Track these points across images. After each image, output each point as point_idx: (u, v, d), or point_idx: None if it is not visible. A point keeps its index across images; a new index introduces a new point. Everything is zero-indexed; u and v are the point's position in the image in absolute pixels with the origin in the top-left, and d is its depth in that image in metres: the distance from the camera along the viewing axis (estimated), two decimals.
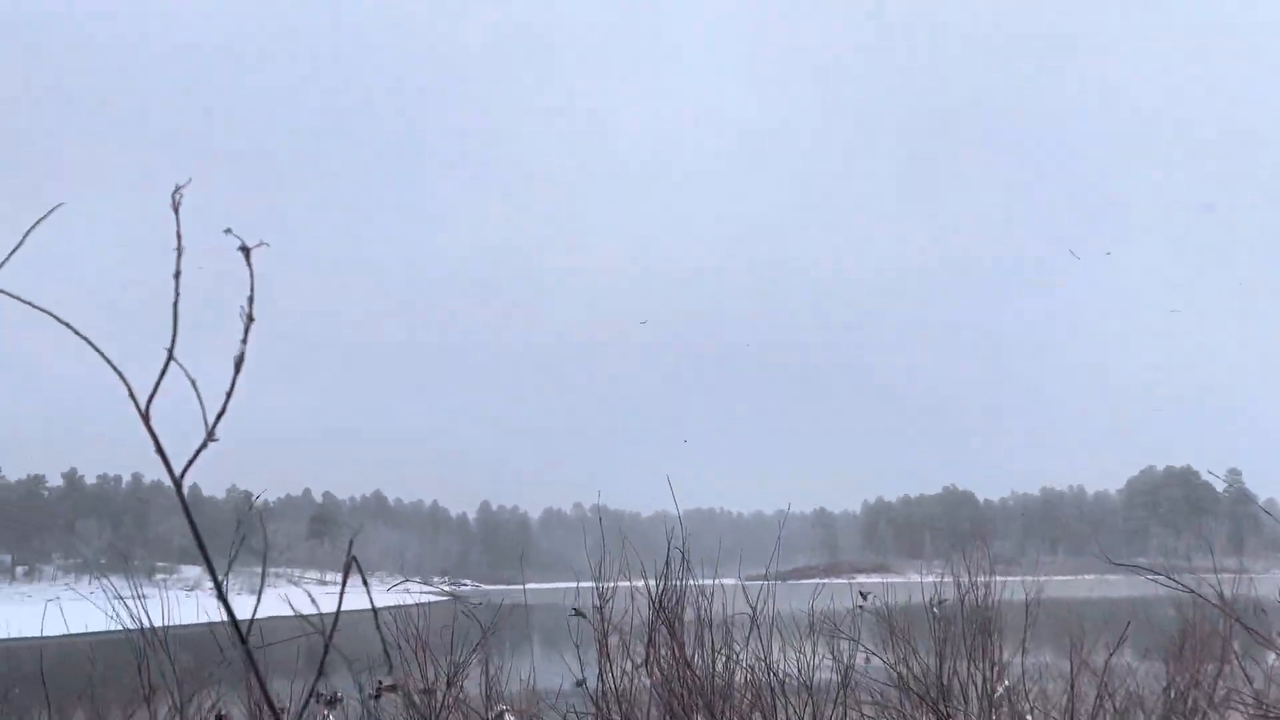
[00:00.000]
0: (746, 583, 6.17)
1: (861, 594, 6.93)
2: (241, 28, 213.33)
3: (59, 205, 1.54)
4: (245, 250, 1.45)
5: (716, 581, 5.82)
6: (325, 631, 1.67)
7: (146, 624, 4.45)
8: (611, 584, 7.04)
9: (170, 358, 1.44)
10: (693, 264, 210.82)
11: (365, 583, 1.56)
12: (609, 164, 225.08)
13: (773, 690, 5.24)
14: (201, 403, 1.45)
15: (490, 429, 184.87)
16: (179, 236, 1.46)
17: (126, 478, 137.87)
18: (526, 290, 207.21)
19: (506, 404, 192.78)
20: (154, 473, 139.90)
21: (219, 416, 1.48)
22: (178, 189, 1.43)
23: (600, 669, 6.84)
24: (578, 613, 6.72)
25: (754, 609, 5.80)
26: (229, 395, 1.47)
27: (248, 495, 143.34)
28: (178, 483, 1.47)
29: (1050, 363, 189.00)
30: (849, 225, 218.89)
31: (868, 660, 6.94)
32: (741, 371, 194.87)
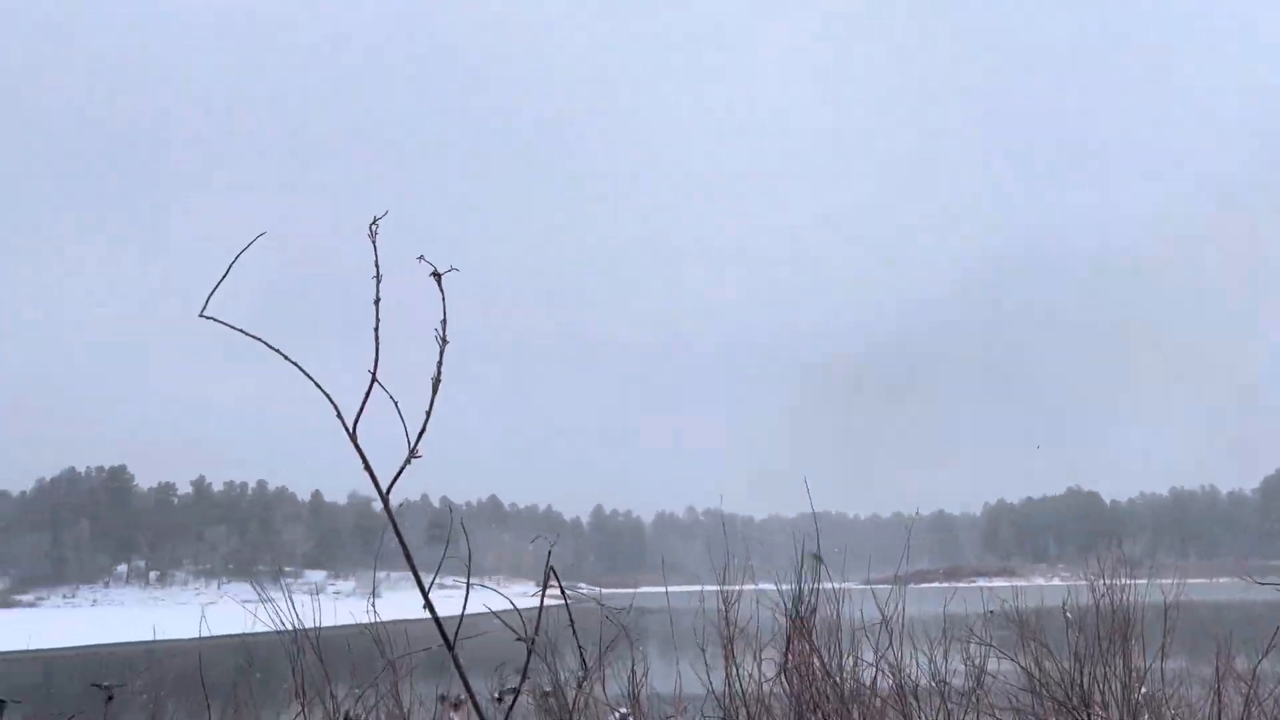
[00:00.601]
0: (869, 587, 6.13)
1: (997, 600, 6.83)
2: (366, 29, 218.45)
3: (261, 234, 1.64)
4: (436, 276, 1.53)
5: (843, 586, 5.80)
6: (526, 632, 1.74)
7: (298, 626, 4.63)
8: (737, 588, 7.07)
9: (374, 380, 1.53)
10: (794, 265, 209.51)
11: (562, 589, 1.62)
12: (712, 164, 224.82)
13: (904, 694, 5.21)
14: (404, 421, 1.54)
15: (604, 433, 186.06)
16: (377, 265, 1.55)
17: (252, 485, 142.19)
18: (630, 294, 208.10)
19: (620, 408, 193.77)
20: (278, 480, 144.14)
21: (420, 434, 1.57)
22: (375, 220, 1.52)
23: (727, 673, 6.87)
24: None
25: (884, 613, 5.77)
26: (428, 414, 1.56)
27: (368, 500, 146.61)
28: (384, 497, 1.56)
29: (1180, 357, 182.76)
30: (955, 215, 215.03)
31: (999, 665, 6.85)
32: (855, 373, 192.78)
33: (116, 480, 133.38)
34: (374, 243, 1.54)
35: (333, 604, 5.54)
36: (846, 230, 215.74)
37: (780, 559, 7.33)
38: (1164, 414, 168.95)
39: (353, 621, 5.23)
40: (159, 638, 10.26)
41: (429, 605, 1.63)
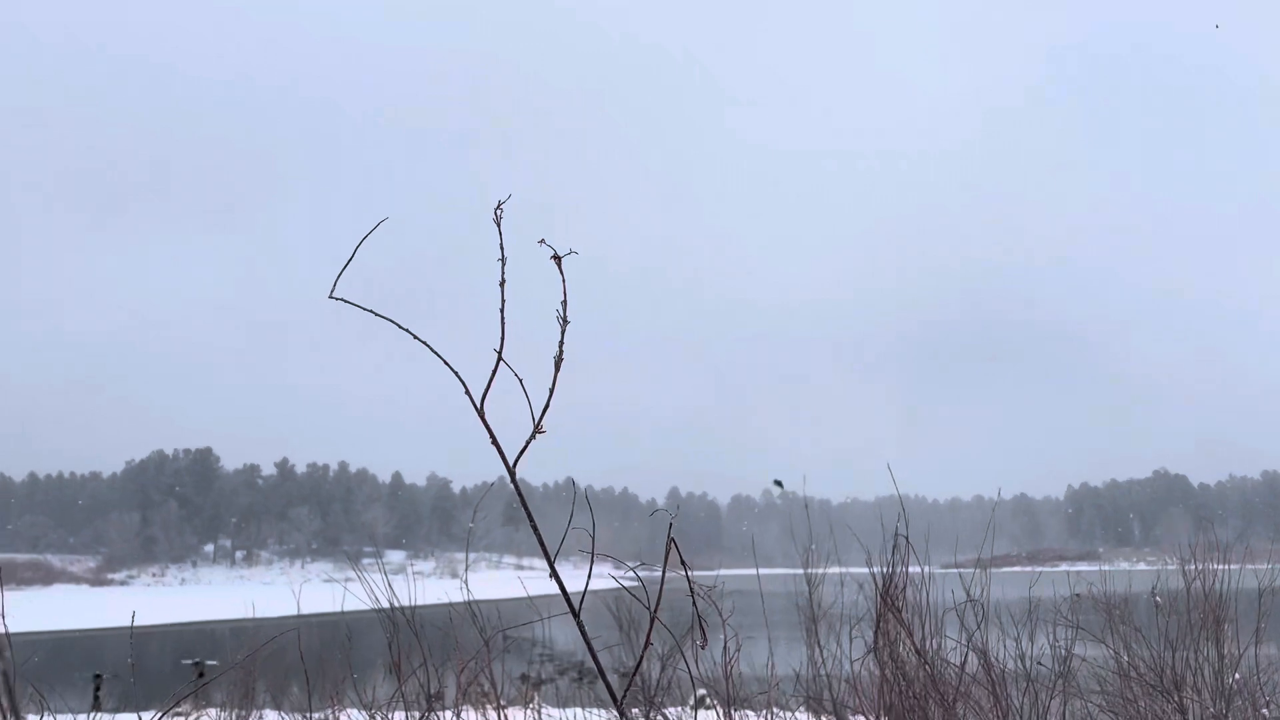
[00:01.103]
0: (948, 570, 6.11)
1: (1083, 584, 6.77)
2: (477, 32, 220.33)
3: (384, 220, 1.72)
4: (557, 259, 1.60)
5: (928, 569, 5.80)
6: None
7: (396, 604, 4.77)
8: (821, 570, 7.10)
9: (500, 359, 1.60)
10: (881, 245, 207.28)
11: (685, 563, 1.69)
12: (777, 146, 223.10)
13: (993, 676, 5.21)
14: (528, 398, 1.61)
15: (680, 415, 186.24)
16: (502, 248, 1.62)
17: (334, 466, 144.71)
18: (703, 277, 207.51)
19: (697, 391, 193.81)
20: (359, 461, 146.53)
21: (544, 411, 1.64)
22: (499, 205, 1.59)
23: (811, 654, 6.91)
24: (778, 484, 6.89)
25: (970, 595, 5.76)
26: (551, 392, 1.62)
27: (446, 482, 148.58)
28: (511, 471, 1.64)
29: (1271, 337, 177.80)
30: (1051, 200, 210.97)
31: (1086, 649, 6.80)
32: (936, 355, 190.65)
33: (203, 462, 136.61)
34: (499, 226, 1.61)
35: (421, 583, 5.68)
36: (922, 212, 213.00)
37: (860, 542, 7.35)
38: (1255, 395, 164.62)
39: (445, 600, 5.36)
40: (256, 615, 10.55)
41: (555, 576, 1.71)
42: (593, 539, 1.71)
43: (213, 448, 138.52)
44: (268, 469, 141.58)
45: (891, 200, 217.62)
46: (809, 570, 6.97)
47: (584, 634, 1.64)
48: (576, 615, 1.71)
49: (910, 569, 5.31)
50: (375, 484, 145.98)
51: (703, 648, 1.96)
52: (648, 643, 1.83)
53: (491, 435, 1.64)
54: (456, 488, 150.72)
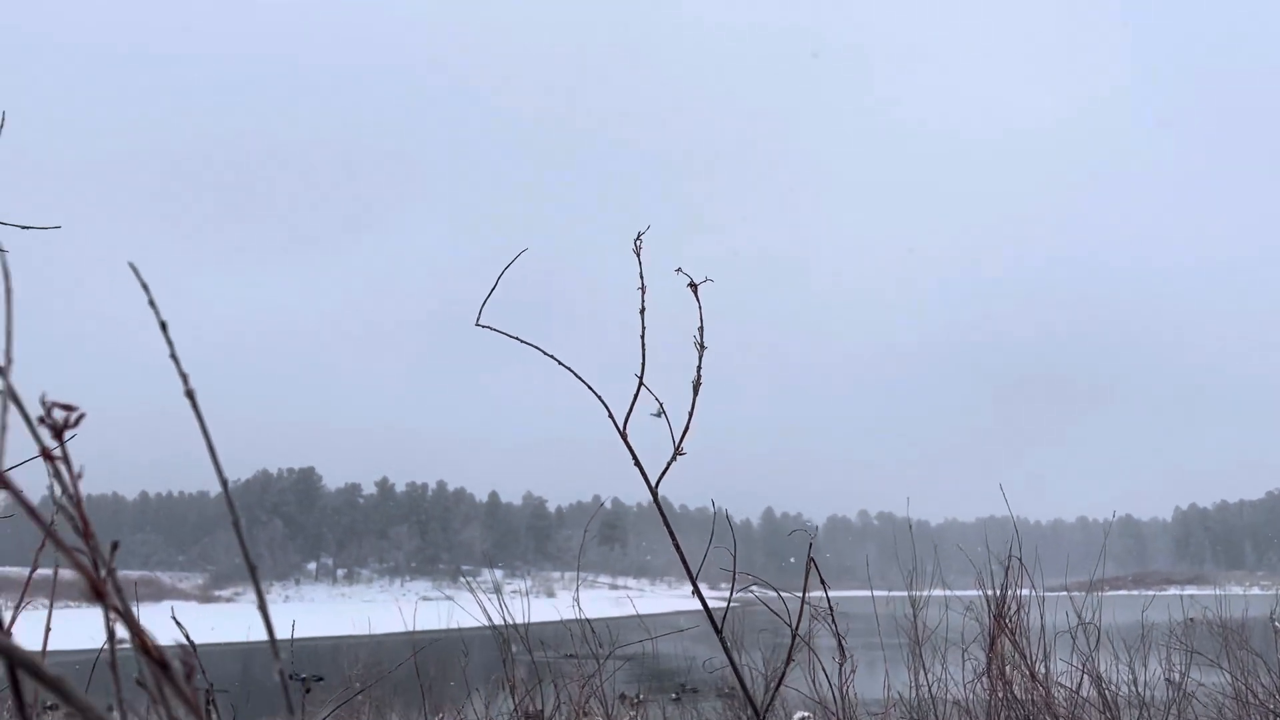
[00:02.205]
0: (1056, 593, 6.04)
1: (1196, 608, 6.64)
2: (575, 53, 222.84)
3: (524, 250, 1.82)
4: (693, 286, 1.69)
5: (1040, 592, 5.74)
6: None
7: (510, 621, 4.89)
8: (925, 592, 7.06)
9: (640, 383, 1.69)
10: (977, 265, 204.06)
11: (823, 582, 1.75)
12: (869, 168, 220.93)
13: (1107, 700, 5.15)
14: (669, 421, 1.69)
15: (775, 436, 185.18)
16: (641, 277, 1.71)
17: (432, 485, 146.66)
18: (805, 298, 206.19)
19: (793, 412, 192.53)
20: (456, 481, 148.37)
21: (684, 433, 1.72)
22: (639, 235, 1.68)
23: (915, 678, 6.87)
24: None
25: (1080, 618, 5.70)
26: (690, 414, 1.70)
27: (541, 501, 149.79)
28: (654, 491, 1.72)
29: None
30: (1154, 215, 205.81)
31: (1201, 674, 6.66)
32: (1038, 374, 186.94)
33: (306, 481, 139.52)
34: (638, 256, 1.70)
35: (525, 602, 5.80)
36: (1020, 229, 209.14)
37: (960, 563, 7.29)
38: None
39: (557, 618, 5.47)
40: (361, 632, 10.81)
41: (698, 593, 1.78)
42: (734, 557, 1.79)
43: (315, 467, 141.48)
44: (368, 488, 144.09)
45: (987, 216, 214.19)
46: (913, 592, 6.94)
47: (726, 649, 1.71)
48: (719, 631, 1.78)
49: (1018, 591, 5.28)
50: (472, 503, 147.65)
51: (841, 665, 2.01)
52: (790, 658, 1.89)
53: (634, 456, 1.72)
54: (551, 507, 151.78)
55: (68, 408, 0.64)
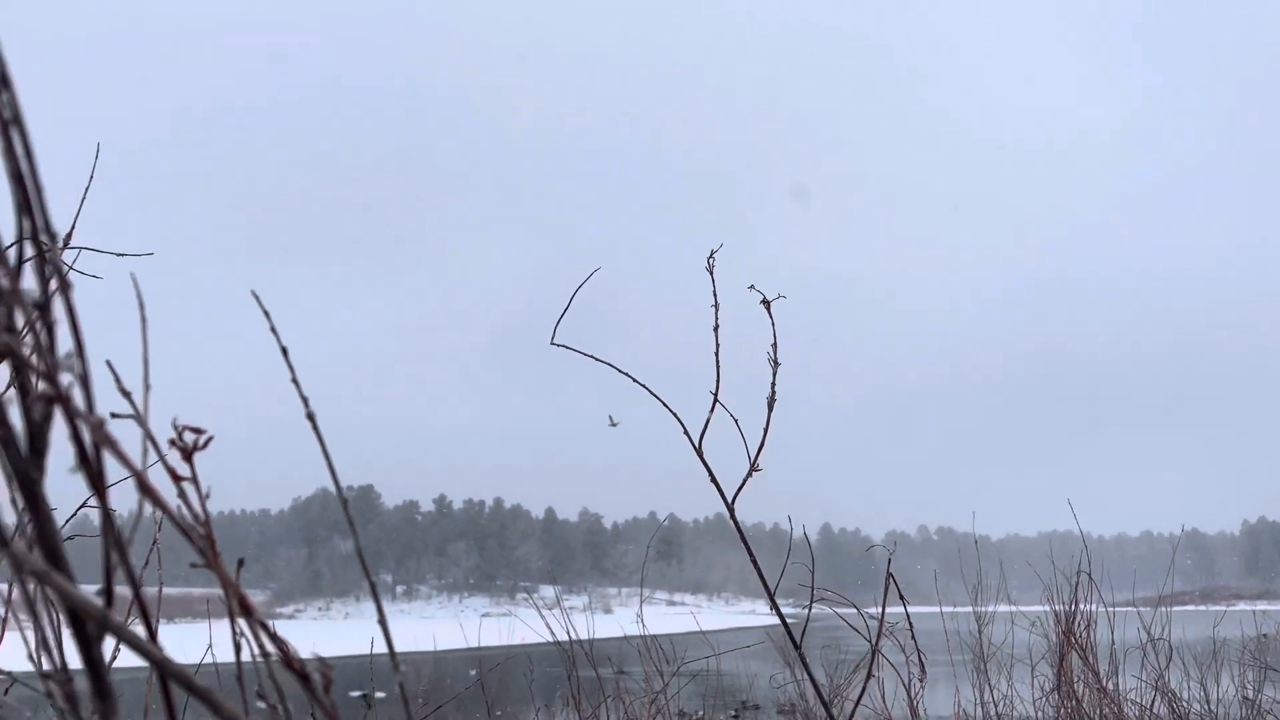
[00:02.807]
0: (1124, 608, 5.95)
1: (1271, 623, 6.51)
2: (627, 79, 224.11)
3: (597, 269, 1.84)
4: (766, 303, 1.70)
5: (1110, 608, 5.66)
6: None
7: (574, 636, 4.90)
8: (990, 608, 6.98)
9: (715, 400, 1.71)
10: (1038, 276, 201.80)
11: (902, 598, 1.76)
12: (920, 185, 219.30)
13: (1179, 717, 5.06)
14: (743, 436, 1.71)
15: (832, 451, 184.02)
16: (715, 294, 1.73)
17: (489, 502, 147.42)
18: (863, 312, 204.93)
19: (850, 425, 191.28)
20: (513, 498, 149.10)
21: (759, 449, 1.73)
22: (712, 253, 1.70)
23: (981, 694, 6.79)
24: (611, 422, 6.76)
25: (1150, 634, 5.62)
26: (765, 432, 1.72)
27: (597, 517, 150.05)
28: (730, 507, 1.73)
29: None
30: (1213, 220, 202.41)
31: (1276, 691, 6.53)
32: (1101, 386, 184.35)
33: (365, 499, 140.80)
34: (711, 274, 1.72)
35: (583, 617, 5.82)
36: (1076, 240, 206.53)
37: (1023, 578, 7.20)
38: None
39: (621, 634, 5.48)
40: (424, 648, 10.88)
41: (776, 608, 1.79)
42: (812, 574, 1.79)
43: (374, 485, 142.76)
44: (426, 505, 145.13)
45: (1047, 226, 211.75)
46: (978, 608, 6.87)
47: (805, 663, 1.72)
48: (798, 645, 1.79)
49: (1085, 607, 5.22)
50: (529, 520, 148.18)
51: (921, 681, 2.01)
52: (870, 674, 1.89)
53: (710, 473, 1.74)
54: (607, 523, 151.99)
55: (197, 430, 0.67)
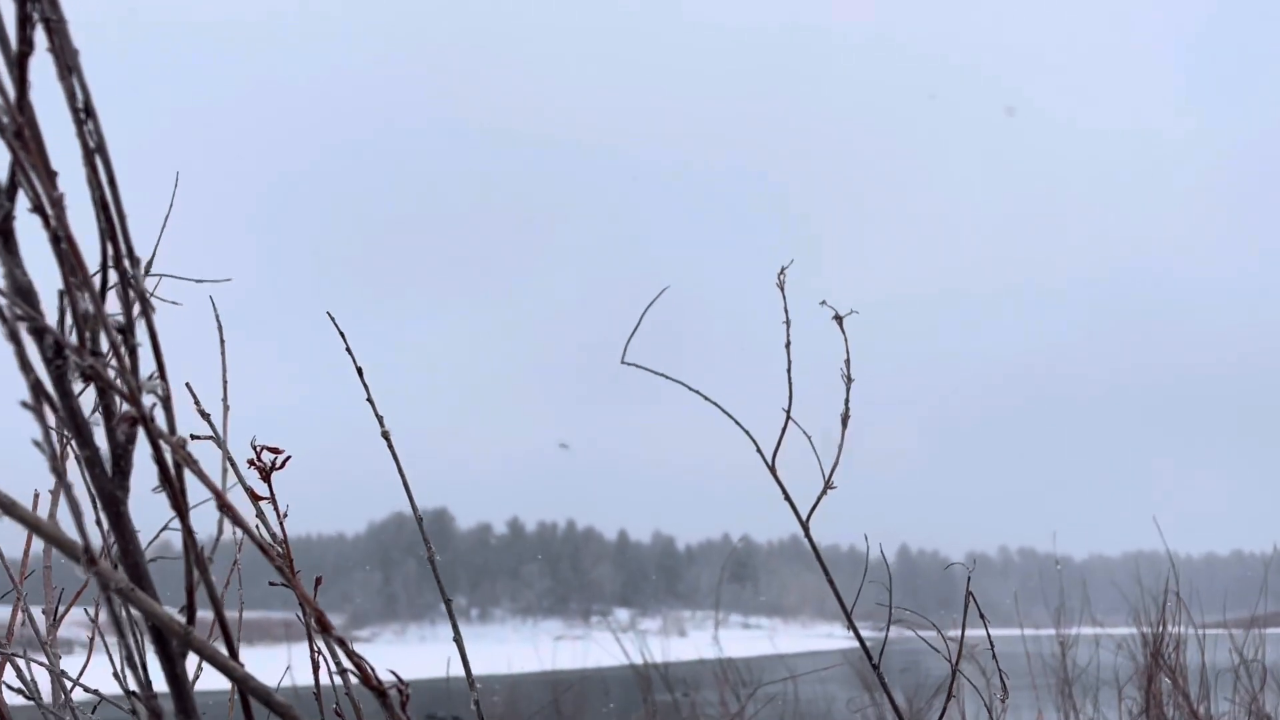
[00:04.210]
0: (1214, 630, 5.78)
1: None
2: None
3: (666, 288, 1.85)
4: (838, 318, 1.69)
5: (1200, 630, 5.51)
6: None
7: (649, 659, 4.90)
8: (1074, 630, 6.83)
9: (788, 418, 1.70)
10: (1120, 288, 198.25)
11: (984, 618, 1.73)
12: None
13: None
14: (817, 453, 1.70)
15: (909, 471, 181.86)
16: (786, 310, 1.72)
17: (562, 524, 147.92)
18: (938, 327, 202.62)
19: (928, 445, 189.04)
20: (585, 520, 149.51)
21: (834, 466, 1.72)
22: (782, 270, 1.70)
23: (1064, 718, 6.64)
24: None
25: (1243, 656, 5.46)
26: (840, 448, 1.70)
27: (670, 539, 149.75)
28: (805, 525, 1.72)
29: None
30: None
31: None
32: (1186, 399, 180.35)
33: (439, 521, 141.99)
34: (782, 290, 1.71)
35: (659, 641, 5.81)
36: (1164, 248, 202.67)
37: (1108, 600, 7.03)
38: None
39: (697, 657, 5.46)
40: (500, 671, 10.93)
41: (853, 626, 1.77)
42: (890, 592, 1.77)
43: (448, 507, 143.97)
44: (499, 528, 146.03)
45: (1126, 235, 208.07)
46: (1060, 631, 6.73)
47: (884, 683, 1.70)
48: (876, 666, 1.77)
49: (1174, 629, 5.09)
50: (602, 542, 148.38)
51: (1003, 701, 1.97)
52: (950, 694, 1.86)
53: (784, 491, 1.73)
54: (680, 545, 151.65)
55: (274, 450, 0.68)
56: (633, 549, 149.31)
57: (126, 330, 0.54)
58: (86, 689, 1.38)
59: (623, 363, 1.84)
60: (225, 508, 0.54)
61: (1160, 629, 4.38)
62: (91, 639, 1.39)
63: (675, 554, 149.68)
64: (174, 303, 1.65)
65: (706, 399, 1.78)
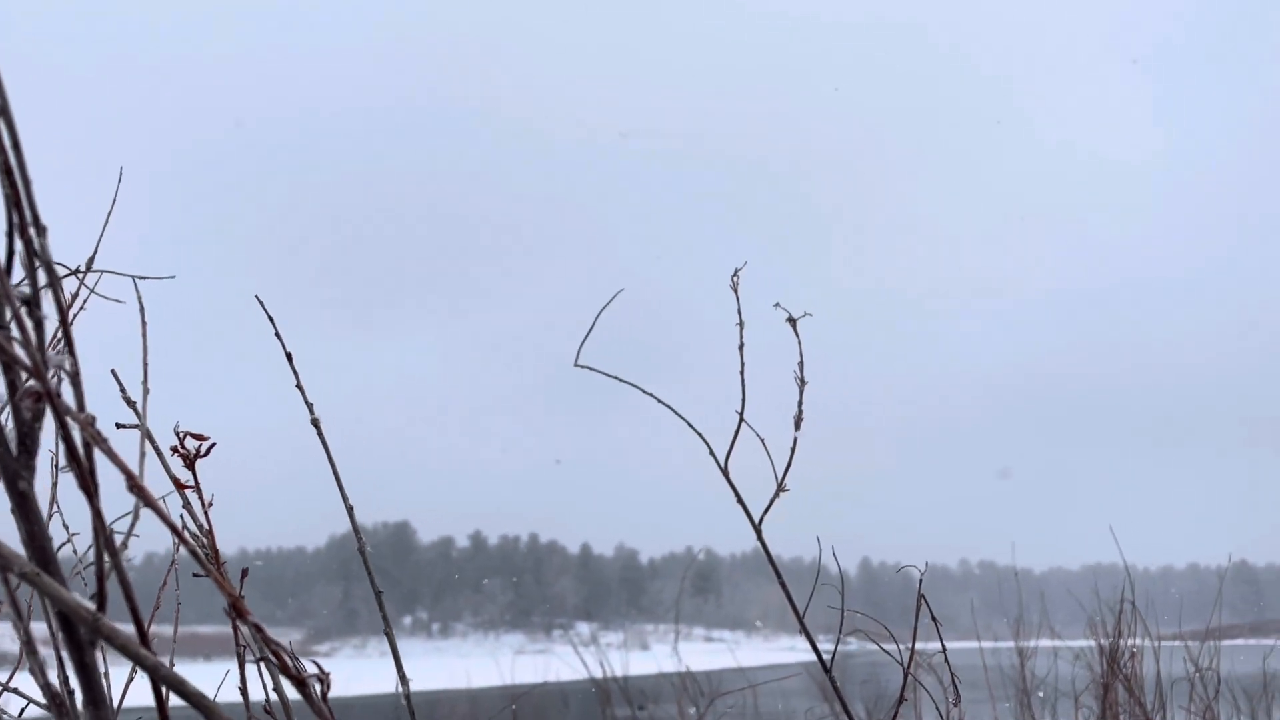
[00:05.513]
0: (1170, 642, 5.84)
1: None
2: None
3: (620, 291, 1.83)
4: (792, 321, 1.68)
5: (1155, 641, 5.56)
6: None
7: (609, 673, 4.87)
8: (1033, 642, 6.88)
9: (741, 419, 1.68)
10: (1078, 298, 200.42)
11: (936, 620, 1.72)
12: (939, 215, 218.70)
13: None
14: (770, 455, 1.68)
15: (871, 484, 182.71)
16: (740, 313, 1.71)
17: (524, 538, 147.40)
18: (902, 338, 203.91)
19: (890, 458, 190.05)
20: (548, 533, 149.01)
21: (786, 469, 1.71)
22: (736, 272, 1.69)
23: None
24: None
25: (1198, 666, 5.51)
26: (792, 451, 1.69)
27: (633, 552, 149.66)
28: (758, 528, 1.71)
29: None
30: (1267, 240, 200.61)
31: None
32: (1145, 415, 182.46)
33: (400, 535, 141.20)
34: (736, 292, 1.70)
35: (620, 654, 5.78)
36: (1131, 263, 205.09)
37: (1067, 611, 7.08)
38: None
39: (658, 671, 5.44)
40: (458, 686, 10.86)
41: (804, 630, 1.76)
42: (841, 594, 1.76)
43: (409, 521, 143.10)
44: (461, 541, 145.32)
45: (1083, 250, 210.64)
46: (1019, 642, 6.77)
47: (836, 689, 1.68)
48: (828, 670, 1.76)
49: (1130, 640, 5.12)
50: (564, 555, 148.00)
51: (954, 705, 1.97)
52: (902, 696, 1.85)
53: (736, 493, 1.71)
54: (643, 558, 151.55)
55: (199, 437, 0.66)
56: (596, 562, 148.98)
57: (32, 302, 0.51)
58: (19, 693, 1.34)
59: (576, 365, 1.82)
60: (136, 489, 0.52)
61: (1116, 640, 4.41)
62: (24, 644, 1.35)
63: (638, 567, 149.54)
64: (118, 300, 1.62)
65: (660, 401, 1.77)
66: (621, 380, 1.80)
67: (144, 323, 0.70)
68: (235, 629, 0.62)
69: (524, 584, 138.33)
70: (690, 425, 1.72)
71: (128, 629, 0.55)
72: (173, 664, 1.56)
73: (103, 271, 1.45)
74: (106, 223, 1.47)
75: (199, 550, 0.60)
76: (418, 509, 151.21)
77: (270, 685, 0.65)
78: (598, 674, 4.89)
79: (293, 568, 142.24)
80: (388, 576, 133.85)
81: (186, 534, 0.66)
